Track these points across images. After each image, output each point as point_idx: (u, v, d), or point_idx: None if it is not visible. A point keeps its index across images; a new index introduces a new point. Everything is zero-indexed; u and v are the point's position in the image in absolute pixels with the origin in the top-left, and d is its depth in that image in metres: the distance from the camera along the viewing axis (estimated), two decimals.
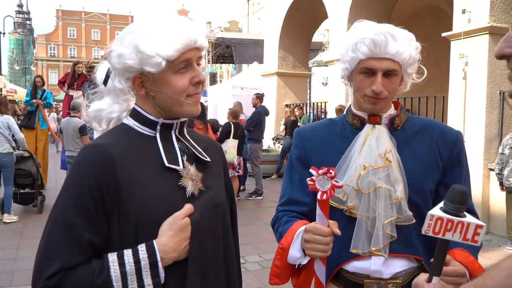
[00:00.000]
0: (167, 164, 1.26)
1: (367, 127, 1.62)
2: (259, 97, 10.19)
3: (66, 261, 1.11)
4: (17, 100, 20.57)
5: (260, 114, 9.67)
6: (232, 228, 1.50)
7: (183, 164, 1.29)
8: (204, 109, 8.39)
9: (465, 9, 6.91)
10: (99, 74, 1.35)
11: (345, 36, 1.62)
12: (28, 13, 76.01)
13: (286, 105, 13.15)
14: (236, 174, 8.28)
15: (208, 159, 1.37)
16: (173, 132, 1.34)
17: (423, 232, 1.06)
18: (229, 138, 8.07)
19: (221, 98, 16.36)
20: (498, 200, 6.53)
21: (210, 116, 16.04)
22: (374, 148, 1.56)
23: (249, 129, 9.35)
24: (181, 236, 1.20)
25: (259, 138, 9.61)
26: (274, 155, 11.95)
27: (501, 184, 5.86)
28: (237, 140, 8.13)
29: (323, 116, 12.73)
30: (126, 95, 1.32)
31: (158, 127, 1.31)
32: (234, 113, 8.50)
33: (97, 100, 1.38)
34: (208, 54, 21.16)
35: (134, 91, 1.31)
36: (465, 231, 1.03)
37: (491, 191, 6.75)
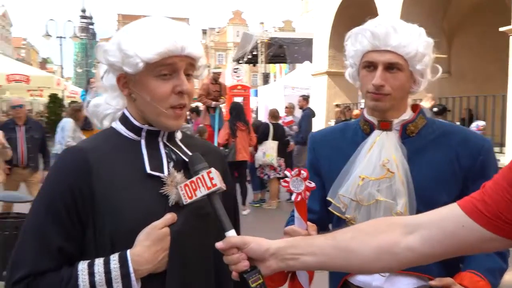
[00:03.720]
0: (148, 171, 1.21)
1: (375, 133, 1.53)
2: (306, 98, 10.06)
3: (34, 266, 1.10)
4: (78, 102, 21.53)
5: (309, 116, 9.54)
6: None
7: (168, 171, 1.23)
8: (242, 110, 8.33)
9: None
10: (101, 70, 1.33)
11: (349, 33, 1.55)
12: (90, 17, 79.81)
13: (336, 105, 12.89)
14: (277, 176, 8.20)
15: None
16: (160, 139, 1.28)
17: (184, 203, 1.16)
18: (268, 139, 7.99)
19: (272, 99, 16.32)
20: None
21: (260, 117, 16.06)
22: (376, 157, 1.47)
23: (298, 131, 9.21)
24: (158, 247, 1.14)
25: (306, 140, 9.45)
26: None
27: None
28: (277, 142, 8.04)
29: None
30: (116, 92, 1.29)
31: (143, 133, 1.26)
32: (273, 114, 8.43)
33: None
34: (261, 54, 21.27)
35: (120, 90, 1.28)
36: (204, 182, 1.14)
37: None
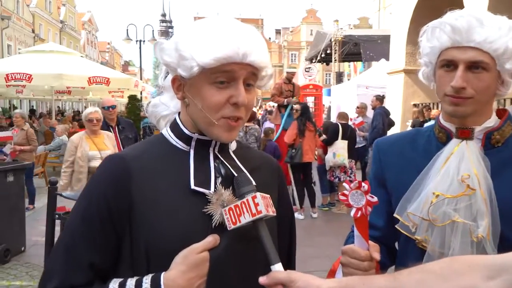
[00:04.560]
0: (193, 187, 1.09)
1: (453, 142, 1.31)
2: (379, 99, 9.60)
3: (63, 280, 1.04)
4: None
5: (380, 115, 9.06)
6: (288, 264, 1.28)
7: (215, 188, 1.11)
8: (310, 110, 8.12)
9: None
10: (163, 69, 1.26)
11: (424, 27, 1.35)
12: (170, 21, 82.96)
13: (414, 105, 12.21)
14: (348, 179, 7.87)
15: (252, 183, 1.14)
16: (211, 149, 1.16)
17: (228, 229, 1.06)
18: (338, 139, 7.76)
19: (345, 98, 15.89)
20: None
21: (333, 118, 15.71)
22: (453, 170, 1.25)
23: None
24: (195, 273, 1.02)
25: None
26: None
27: None
28: (347, 141, 7.77)
29: None
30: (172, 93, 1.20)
31: (193, 143, 1.15)
32: (342, 115, 8.19)
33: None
34: (335, 53, 20.84)
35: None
36: (249, 207, 1.04)
37: None
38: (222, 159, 1.16)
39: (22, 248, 5.74)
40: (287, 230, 1.32)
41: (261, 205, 1.03)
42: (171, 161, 1.13)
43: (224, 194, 1.10)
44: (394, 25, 13.56)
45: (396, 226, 1.35)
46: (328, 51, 21.43)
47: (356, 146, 8.63)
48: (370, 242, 1.19)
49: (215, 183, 1.12)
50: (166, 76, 1.23)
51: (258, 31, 1.14)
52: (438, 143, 1.36)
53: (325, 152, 7.96)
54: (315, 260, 5.47)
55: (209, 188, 1.11)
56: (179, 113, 1.20)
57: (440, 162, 1.29)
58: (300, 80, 18.14)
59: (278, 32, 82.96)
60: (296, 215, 7.49)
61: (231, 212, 1.06)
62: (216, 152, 1.17)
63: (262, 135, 8.14)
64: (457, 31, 1.22)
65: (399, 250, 1.42)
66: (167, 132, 1.19)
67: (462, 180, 1.23)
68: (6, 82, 11.86)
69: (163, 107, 1.25)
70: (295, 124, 7.47)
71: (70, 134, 12.91)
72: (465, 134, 1.29)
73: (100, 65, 18.45)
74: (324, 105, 19.17)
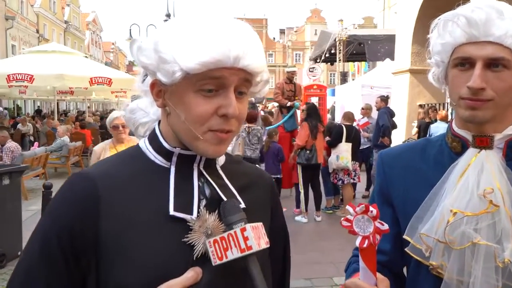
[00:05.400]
0: (172, 212, 0.93)
1: (470, 152, 1.15)
2: (384, 99, 9.42)
3: None
4: None
5: (385, 114, 8.87)
6: None
7: (198, 212, 0.95)
8: (318, 110, 7.93)
9: None
10: (141, 70, 1.10)
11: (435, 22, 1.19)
12: None
13: (420, 106, 12.03)
14: (352, 181, 7.71)
15: (242, 205, 0.99)
16: (195, 165, 1.00)
17: (213, 264, 0.91)
18: (341, 141, 7.59)
19: (349, 98, 15.72)
20: None
21: (337, 117, 15.55)
22: (472, 184, 1.10)
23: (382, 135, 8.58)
24: None
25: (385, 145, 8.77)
26: None
27: None
28: (350, 144, 7.60)
29: None
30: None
31: (174, 159, 0.99)
32: (347, 116, 8.00)
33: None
34: (339, 53, 20.68)
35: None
36: (237, 241, 0.90)
37: None
38: (207, 177, 1.01)
39: (19, 253, 5.61)
40: (280, 256, 1.18)
41: (251, 239, 0.89)
42: (147, 179, 0.97)
43: (209, 220, 0.94)
44: (399, 24, 13.40)
45: (406, 249, 1.19)
46: (332, 51, 21.28)
47: (360, 148, 8.46)
48: (378, 275, 1.02)
49: (199, 207, 0.96)
50: (144, 79, 1.08)
51: (252, 29, 0.96)
52: (451, 153, 1.20)
53: (329, 154, 7.80)
54: (318, 266, 5.33)
55: (191, 213, 0.95)
56: (159, 122, 1.04)
57: (455, 175, 1.14)
58: (304, 80, 17.97)
59: (282, 32, 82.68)
60: (300, 218, 7.34)
61: (216, 245, 0.91)
62: (201, 169, 1.01)
63: (266, 136, 7.97)
64: (473, 24, 1.07)
65: (408, 278, 1.26)
66: (144, 144, 1.03)
67: (484, 195, 1.07)
68: (8, 83, 11.80)
69: (141, 113, 1.11)
70: (306, 125, 7.27)
71: (72, 135, 12.83)
72: (484, 142, 1.13)
73: (103, 65, 18.41)
74: (333, 106, 19.02)
